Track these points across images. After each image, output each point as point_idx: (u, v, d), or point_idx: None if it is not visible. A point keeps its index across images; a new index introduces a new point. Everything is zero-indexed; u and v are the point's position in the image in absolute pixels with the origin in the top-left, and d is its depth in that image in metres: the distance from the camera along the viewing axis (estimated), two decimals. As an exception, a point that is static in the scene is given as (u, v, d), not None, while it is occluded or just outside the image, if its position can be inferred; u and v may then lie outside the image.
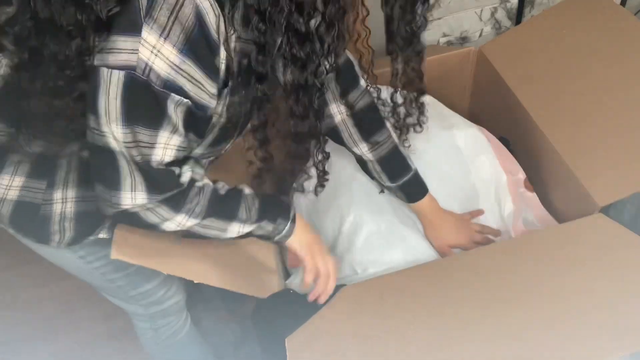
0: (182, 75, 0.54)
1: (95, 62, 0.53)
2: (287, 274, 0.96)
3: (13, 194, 0.70)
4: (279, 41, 0.56)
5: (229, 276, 0.77)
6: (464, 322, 0.71)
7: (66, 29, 0.53)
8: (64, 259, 0.81)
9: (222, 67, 0.58)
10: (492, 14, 1.45)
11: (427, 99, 1.12)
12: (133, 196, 0.60)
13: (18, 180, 0.70)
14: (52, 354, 1.43)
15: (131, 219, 0.64)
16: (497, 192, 0.97)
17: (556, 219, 0.93)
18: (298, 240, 0.78)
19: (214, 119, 0.65)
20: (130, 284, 0.88)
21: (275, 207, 0.77)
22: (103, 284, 0.87)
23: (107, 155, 0.58)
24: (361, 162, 0.93)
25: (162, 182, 0.62)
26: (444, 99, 1.25)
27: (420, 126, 0.92)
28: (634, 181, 0.82)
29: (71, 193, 0.72)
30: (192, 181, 0.66)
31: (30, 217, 0.72)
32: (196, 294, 1.45)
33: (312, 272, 0.79)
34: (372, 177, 0.94)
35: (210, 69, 0.56)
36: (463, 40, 1.49)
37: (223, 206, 0.70)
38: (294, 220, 0.77)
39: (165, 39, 0.51)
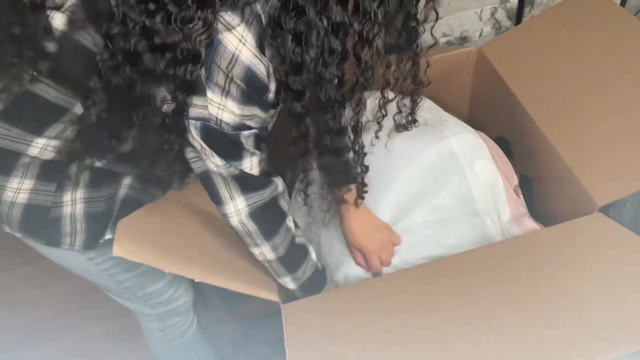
0: (246, 117, 0.63)
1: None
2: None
3: (23, 197, 0.70)
4: (314, 60, 0.60)
5: (230, 276, 0.77)
6: (463, 322, 0.71)
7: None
8: (72, 261, 0.80)
9: (272, 95, 0.63)
10: (492, 14, 1.45)
11: (425, 101, 1.12)
12: (234, 204, 0.70)
13: (27, 184, 0.70)
14: (52, 354, 1.44)
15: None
16: (494, 198, 0.97)
17: (555, 219, 0.92)
18: None
19: (271, 126, 0.72)
20: (138, 285, 0.87)
21: (318, 282, 0.87)
22: (111, 286, 0.86)
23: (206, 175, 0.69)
24: None
25: (254, 181, 0.70)
26: (443, 99, 1.25)
27: (408, 127, 0.91)
28: (633, 181, 0.82)
29: (80, 194, 0.72)
30: (285, 215, 0.77)
31: (40, 220, 0.72)
32: (196, 294, 1.45)
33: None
34: None
35: (266, 103, 0.64)
36: (463, 40, 1.49)
37: (294, 257, 0.81)
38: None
39: (226, 96, 0.59)
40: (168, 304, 0.95)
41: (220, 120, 0.61)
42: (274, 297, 0.78)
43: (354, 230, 0.88)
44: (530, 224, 0.95)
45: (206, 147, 0.64)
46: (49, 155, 0.69)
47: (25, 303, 1.57)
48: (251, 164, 0.68)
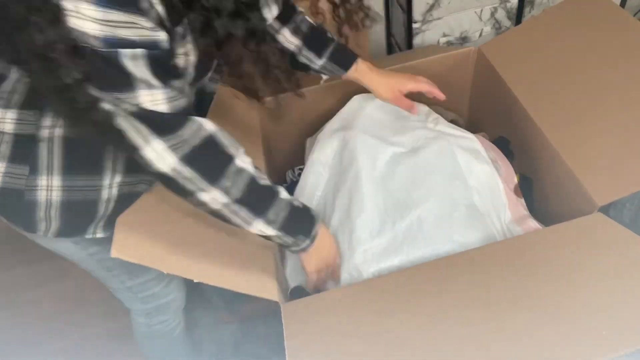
0: (113, 26, 0.52)
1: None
2: (286, 282, 0.96)
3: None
4: None
5: (230, 275, 0.77)
6: (463, 321, 0.71)
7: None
8: (59, 245, 0.82)
9: (159, 7, 0.56)
10: (492, 14, 1.45)
11: (423, 108, 1.13)
12: (150, 147, 0.62)
13: (0, 166, 0.70)
14: (52, 353, 1.43)
15: (170, 185, 0.67)
16: (493, 200, 0.97)
17: (555, 219, 0.92)
18: (312, 258, 0.83)
19: (182, 60, 0.64)
20: (128, 274, 0.88)
21: (302, 221, 0.79)
22: (101, 273, 0.87)
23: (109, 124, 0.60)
24: (292, 60, 0.97)
25: (165, 120, 0.62)
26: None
27: (363, 25, 0.88)
28: (633, 180, 0.83)
29: (57, 181, 0.71)
30: (230, 158, 0.69)
31: (15, 203, 0.71)
32: (196, 295, 1.45)
33: (314, 286, 0.87)
34: (304, 68, 0.98)
35: (136, 9, 0.54)
36: (463, 40, 1.49)
37: (256, 199, 0.72)
38: (313, 240, 0.80)
39: None
40: (158, 299, 0.96)
41: (84, 34, 0.52)
42: (274, 297, 0.78)
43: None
44: (533, 224, 0.95)
45: (89, 78, 0.54)
46: (9, 127, 0.69)
47: (25, 303, 1.57)
48: (152, 99, 0.59)
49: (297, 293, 0.93)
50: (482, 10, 1.43)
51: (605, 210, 0.85)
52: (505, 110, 1.10)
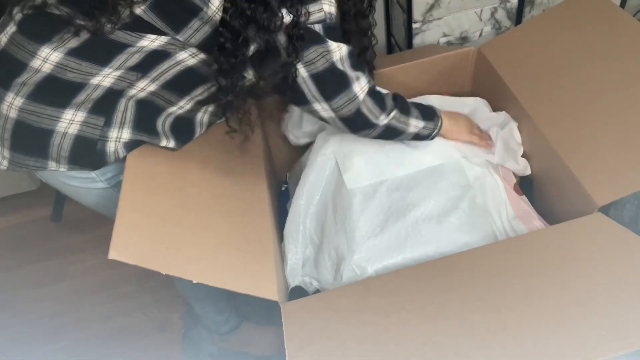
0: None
1: None
2: (286, 282, 0.96)
3: (74, 129, 0.77)
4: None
5: (229, 276, 0.77)
6: (463, 321, 0.71)
7: None
8: (107, 200, 0.89)
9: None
10: (492, 14, 1.45)
11: (435, 99, 1.14)
12: (360, 85, 0.84)
13: (80, 116, 0.76)
14: (52, 353, 1.44)
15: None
16: (494, 198, 0.97)
17: (555, 219, 0.92)
18: (451, 129, 1.01)
19: None
20: None
21: (426, 108, 0.98)
22: None
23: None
24: None
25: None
26: (443, 99, 1.26)
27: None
28: (633, 180, 0.82)
29: (126, 134, 0.81)
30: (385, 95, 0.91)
31: (88, 151, 0.79)
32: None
33: (479, 138, 1.05)
34: None
35: None
36: (463, 40, 1.49)
37: (403, 104, 0.93)
38: (440, 116, 0.99)
39: None
40: None
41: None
42: (274, 297, 0.78)
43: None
44: (537, 221, 0.95)
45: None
46: (108, 82, 0.76)
47: (25, 303, 1.57)
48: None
49: (297, 293, 0.93)
50: (482, 10, 1.43)
51: (605, 210, 0.85)
52: (505, 110, 1.10)
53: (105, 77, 0.75)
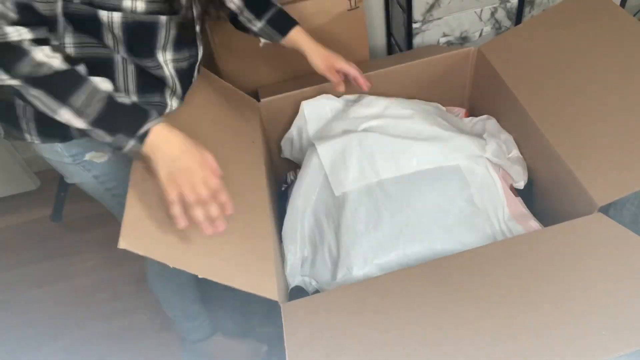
0: None
1: None
2: (286, 282, 0.96)
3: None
4: None
5: (233, 273, 0.78)
6: (463, 322, 0.71)
7: None
8: (80, 177, 0.88)
9: None
10: (492, 14, 1.45)
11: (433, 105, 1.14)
12: None
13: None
14: (52, 353, 1.44)
15: None
16: (492, 198, 0.97)
17: (555, 219, 0.92)
18: (153, 164, 0.71)
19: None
20: None
21: (124, 116, 0.70)
22: (117, 207, 0.91)
23: None
24: (233, 19, 1.01)
25: None
26: (443, 99, 1.26)
27: None
28: (633, 180, 0.82)
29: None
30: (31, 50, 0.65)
31: (50, 119, 0.70)
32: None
33: (174, 203, 0.70)
34: (244, 29, 1.02)
35: None
36: (463, 40, 1.49)
37: (55, 82, 0.67)
38: (142, 140, 0.70)
39: None
40: None
41: None
42: (274, 296, 0.78)
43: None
44: (533, 222, 0.95)
45: None
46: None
47: (25, 303, 1.57)
48: None
49: (297, 293, 0.93)
50: (482, 10, 1.43)
51: (605, 210, 0.85)
52: (505, 110, 1.10)
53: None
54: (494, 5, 1.43)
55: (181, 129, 0.74)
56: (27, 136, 0.79)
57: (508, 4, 1.43)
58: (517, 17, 1.47)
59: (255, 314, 1.32)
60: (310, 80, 1.16)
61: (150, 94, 0.84)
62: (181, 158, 0.71)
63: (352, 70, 1.05)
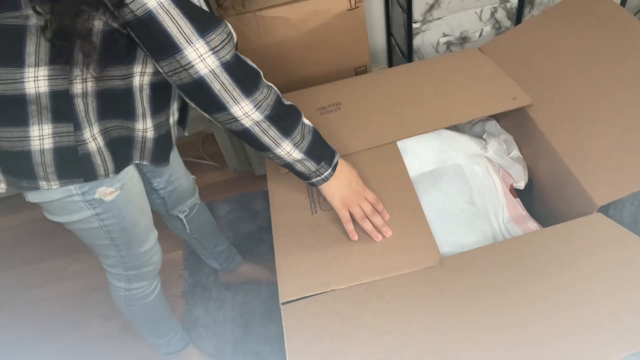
0: None
1: None
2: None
3: (49, 143, 0.73)
4: None
5: (395, 261, 0.82)
6: (463, 322, 0.71)
7: None
8: (77, 215, 0.84)
9: None
10: (492, 14, 1.45)
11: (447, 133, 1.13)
12: (194, 48, 0.65)
13: (47, 129, 0.72)
14: (52, 353, 1.44)
15: (201, 93, 0.69)
16: (492, 200, 0.97)
17: (555, 219, 0.92)
18: (333, 189, 0.83)
19: None
20: (126, 245, 0.92)
21: (324, 147, 0.82)
22: (103, 242, 0.90)
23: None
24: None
25: (203, 15, 0.65)
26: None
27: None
28: (632, 180, 0.82)
29: (96, 129, 0.75)
30: (258, 72, 0.73)
31: (72, 159, 0.75)
32: (197, 294, 1.45)
33: (348, 221, 0.84)
34: None
35: None
36: (463, 40, 1.49)
37: (284, 117, 0.75)
38: (334, 168, 0.83)
39: None
40: (140, 268, 1.00)
41: None
42: (437, 257, 0.78)
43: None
44: (532, 224, 0.95)
45: None
46: (45, 86, 0.69)
47: (25, 303, 1.57)
48: None
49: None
50: (482, 10, 1.43)
51: (605, 210, 0.85)
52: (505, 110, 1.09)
53: (36, 81, 0.69)
54: (494, 5, 1.42)
55: None
56: (43, 183, 0.76)
57: (508, 4, 1.43)
58: (517, 17, 1.47)
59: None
60: (311, 79, 1.16)
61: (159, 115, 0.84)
62: (351, 183, 0.85)
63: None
